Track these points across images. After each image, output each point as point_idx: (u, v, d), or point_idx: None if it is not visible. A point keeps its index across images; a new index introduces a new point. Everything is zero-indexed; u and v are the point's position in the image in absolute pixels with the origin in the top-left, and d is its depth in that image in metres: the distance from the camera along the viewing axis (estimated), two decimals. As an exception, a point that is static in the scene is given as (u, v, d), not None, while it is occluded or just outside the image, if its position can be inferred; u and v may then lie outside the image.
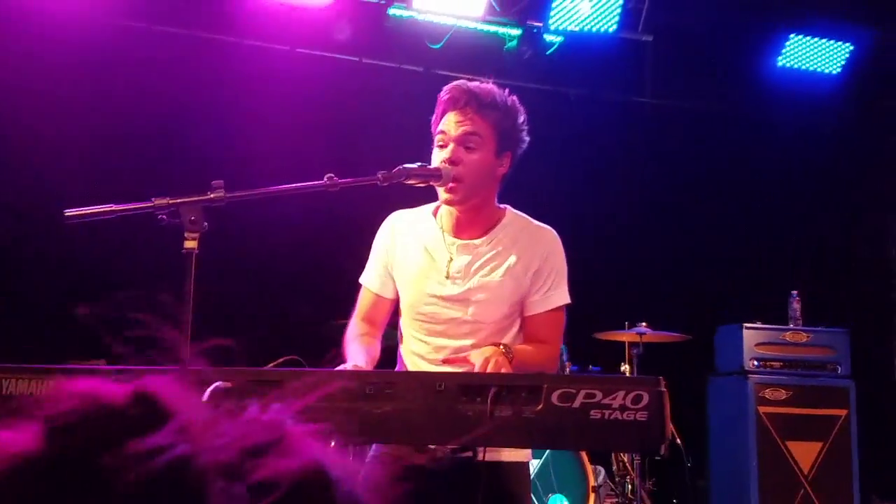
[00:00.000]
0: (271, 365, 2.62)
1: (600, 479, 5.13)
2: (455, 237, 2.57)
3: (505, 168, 2.58)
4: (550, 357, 2.59)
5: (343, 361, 2.47)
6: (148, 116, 5.81)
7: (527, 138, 2.60)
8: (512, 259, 2.53)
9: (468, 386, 1.93)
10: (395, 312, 2.72)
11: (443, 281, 2.53)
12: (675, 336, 5.48)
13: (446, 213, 2.60)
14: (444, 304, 2.52)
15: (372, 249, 2.70)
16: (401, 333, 2.69)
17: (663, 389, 1.86)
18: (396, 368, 2.68)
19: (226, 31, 6.05)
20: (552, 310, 2.56)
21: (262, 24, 5.96)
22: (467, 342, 2.51)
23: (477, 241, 2.55)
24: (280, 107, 5.98)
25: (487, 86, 2.56)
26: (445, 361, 2.43)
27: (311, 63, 6.25)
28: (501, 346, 2.36)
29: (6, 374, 2.08)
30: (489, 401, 1.88)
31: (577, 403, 1.86)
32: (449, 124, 2.50)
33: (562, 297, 2.57)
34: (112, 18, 5.76)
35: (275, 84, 6.04)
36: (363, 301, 2.71)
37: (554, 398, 1.88)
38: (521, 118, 2.58)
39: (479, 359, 2.29)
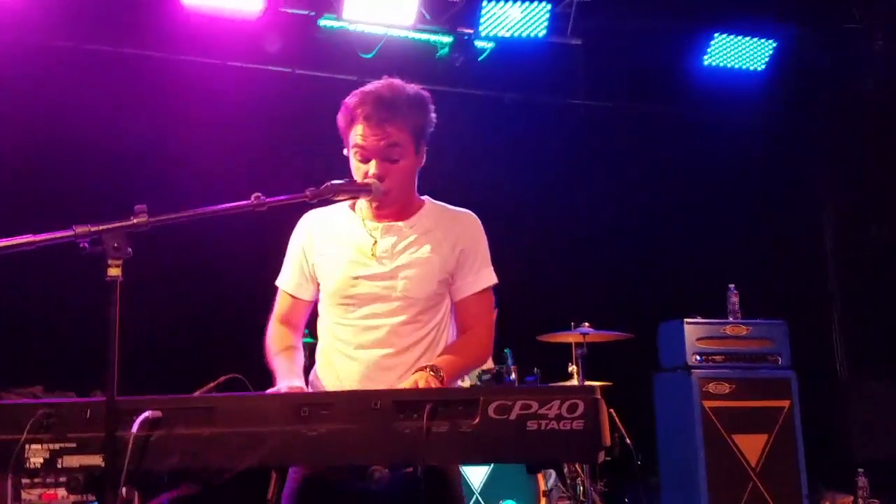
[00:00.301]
0: (212, 384, 2.56)
1: (551, 482, 5.14)
2: (378, 222, 2.54)
3: (423, 160, 2.56)
4: (482, 345, 2.58)
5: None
6: (77, 138, 5.66)
7: (434, 120, 2.54)
8: (437, 236, 2.52)
9: (404, 402, 1.91)
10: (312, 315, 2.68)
11: (368, 262, 2.48)
12: (618, 335, 5.52)
13: (365, 205, 2.57)
14: (372, 282, 2.47)
15: (287, 251, 2.65)
16: (320, 331, 2.61)
17: (598, 397, 1.85)
18: (314, 368, 2.61)
19: (156, 46, 5.95)
20: (482, 291, 2.56)
21: (192, 38, 5.88)
22: (399, 318, 2.46)
23: (400, 224, 2.53)
24: (214, 120, 5.91)
25: (395, 86, 2.47)
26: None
27: (245, 75, 6.19)
28: (428, 369, 2.33)
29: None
30: (425, 417, 1.86)
31: (513, 415, 1.85)
32: (367, 138, 2.44)
33: (490, 277, 2.57)
34: (38, 38, 5.62)
35: (209, 98, 5.96)
36: (281, 304, 2.66)
37: (490, 411, 1.86)
38: (430, 106, 2.53)
39: (409, 384, 2.28)
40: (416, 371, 2.35)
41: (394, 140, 2.43)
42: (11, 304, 5.40)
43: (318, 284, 2.60)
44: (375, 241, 2.50)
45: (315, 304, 2.65)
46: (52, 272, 4.64)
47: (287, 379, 2.41)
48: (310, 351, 4.96)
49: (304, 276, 2.61)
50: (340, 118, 2.50)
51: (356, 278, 2.48)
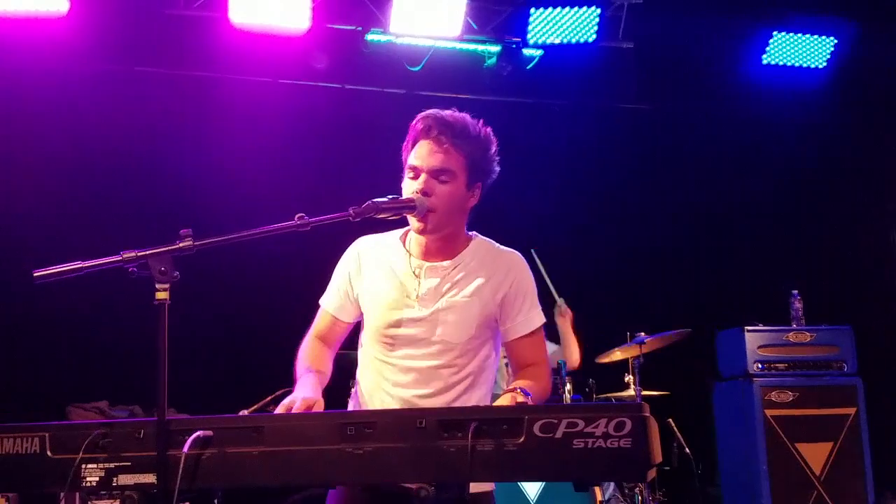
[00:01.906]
0: (268, 399, 2.59)
1: (609, 492, 5.07)
2: (423, 260, 2.57)
3: (476, 199, 2.59)
4: (548, 377, 2.62)
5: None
6: (129, 160, 5.82)
7: (497, 168, 2.59)
8: (479, 281, 2.54)
9: (449, 421, 1.90)
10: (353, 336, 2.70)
11: (411, 303, 2.53)
12: (676, 334, 5.42)
13: (415, 239, 2.60)
14: (413, 325, 2.52)
15: (334, 272, 2.70)
16: (361, 358, 2.66)
17: (647, 415, 1.82)
18: (352, 394, 2.66)
19: (206, 66, 6.06)
20: (534, 331, 2.59)
21: (241, 57, 5.98)
22: (435, 362, 2.51)
23: (445, 264, 2.56)
24: (264, 139, 6.00)
25: (461, 115, 2.55)
26: None
27: (294, 92, 6.26)
28: (518, 390, 2.36)
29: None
30: (470, 435, 1.85)
31: (559, 434, 1.83)
32: (421, 155, 2.49)
33: (540, 317, 2.61)
34: (90, 63, 5.77)
35: (258, 116, 6.06)
36: (320, 321, 2.72)
37: (536, 429, 1.84)
38: (493, 149, 2.58)
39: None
40: (505, 393, 2.39)
41: (447, 163, 2.47)
42: (78, 321, 5.56)
43: (361, 311, 2.65)
44: (419, 281, 2.54)
45: (353, 326, 2.70)
46: (116, 289, 4.75)
47: (302, 391, 2.43)
48: (351, 361, 4.98)
49: (347, 299, 2.66)
50: (406, 141, 2.56)
51: (397, 318, 2.53)
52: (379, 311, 2.57)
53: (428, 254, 2.58)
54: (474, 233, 2.65)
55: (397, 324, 2.53)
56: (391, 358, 2.56)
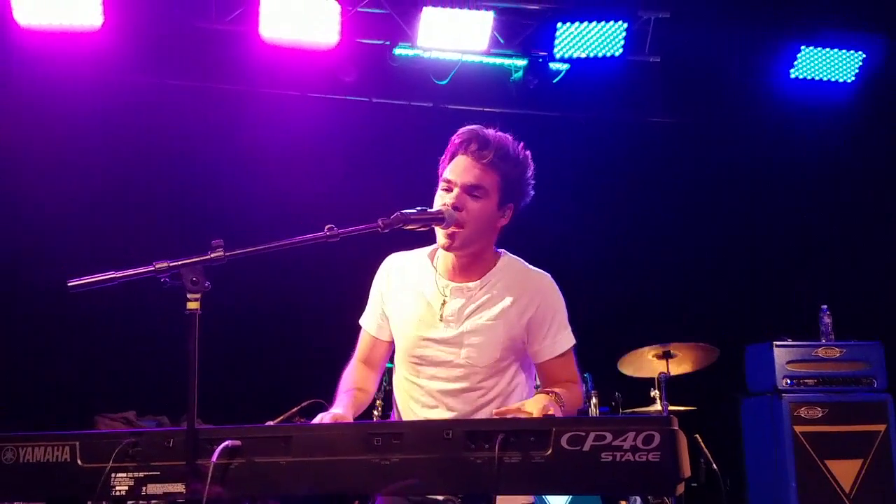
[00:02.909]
0: (294, 409, 2.60)
1: (635, 508, 5.03)
2: (449, 280, 2.56)
3: (506, 220, 2.57)
4: (580, 395, 2.62)
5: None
6: (160, 172, 5.90)
7: (531, 192, 2.58)
8: (506, 303, 2.52)
9: (475, 433, 1.90)
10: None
11: (436, 324, 2.53)
12: (704, 346, 5.37)
13: (442, 258, 2.60)
14: (438, 346, 2.52)
15: (370, 292, 2.72)
16: (395, 377, 2.68)
17: (675, 428, 1.81)
18: (391, 413, 2.68)
19: (236, 80, 6.13)
20: (562, 353, 2.56)
21: (271, 71, 6.05)
22: (459, 385, 2.51)
23: (471, 285, 2.54)
24: (294, 152, 6.05)
25: (502, 135, 2.54)
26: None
27: (323, 106, 6.32)
28: (552, 394, 2.35)
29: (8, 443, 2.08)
30: (497, 447, 1.85)
31: (587, 447, 1.82)
32: (457, 169, 2.49)
33: (569, 339, 2.58)
34: (123, 75, 5.87)
35: (288, 129, 6.12)
36: (362, 343, 2.73)
37: (563, 442, 1.84)
38: (529, 172, 2.56)
39: (536, 407, 2.24)
40: (540, 393, 2.39)
41: (481, 179, 2.47)
42: (109, 330, 5.62)
43: None
44: (445, 301, 2.53)
45: (394, 343, 2.70)
46: (145, 299, 4.80)
47: (334, 409, 2.45)
48: (390, 377, 4.99)
49: (383, 318, 2.68)
50: (444, 155, 2.57)
51: (423, 339, 2.53)
52: (405, 331, 2.57)
53: (455, 273, 2.57)
54: (503, 251, 2.63)
55: (423, 345, 2.53)
56: (419, 379, 2.56)
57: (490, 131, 2.54)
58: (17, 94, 5.66)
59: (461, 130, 2.55)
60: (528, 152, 2.58)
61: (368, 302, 2.72)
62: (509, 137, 2.55)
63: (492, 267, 2.57)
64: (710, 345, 5.41)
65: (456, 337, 2.50)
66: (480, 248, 2.55)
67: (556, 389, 2.42)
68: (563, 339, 2.56)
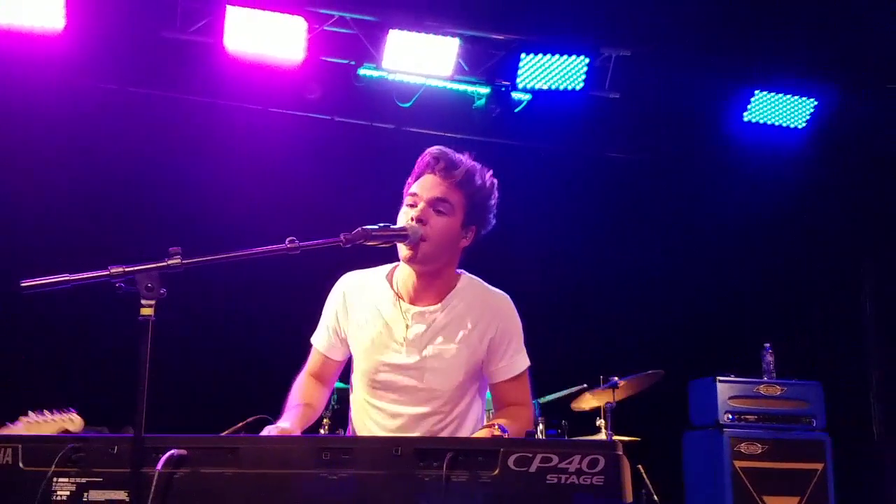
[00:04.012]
0: (240, 424, 2.59)
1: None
2: (410, 304, 2.57)
3: (468, 241, 2.60)
4: (529, 418, 2.63)
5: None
6: (119, 179, 5.82)
7: (493, 220, 2.62)
8: (468, 327, 2.54)
9: (424, 451, 1.91)
10: (346, 372, 2.71)
11: (399, 349, 2.53)
12: (648, 377, 5.45)
13: (402, 279, 2.60)
14: (400, 372, 2.52)
15: (323, 311, 2.70)
16: (352, 397, 2.67)
17: (620, 453, 1.85)
18: (347, 432, 2.68)
19: (199, 91, 6.10)
20: (517, 375, 2.59)
21: (235, 83, 6.03)
22: (422, 409, 2.52)
23: (432, 308, 2.55)
24: (254, 165, 6.04)
25: (468, 159, 2.58)
26: None
27: (285, 122, 6.31)
28: (496, 426, 2.37)
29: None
30: (445, 466, 1.87)
31: (533, 468, 1.85)
32: (424, 185, 2.51)
33: (524, 361, 2.62)
34: (84, 80, 5.80)
35: (249, 142, 6.10)
36: (313, 360, 2.73)
37: (510, 462, 1.86)
38: (494, 200, 2.61)
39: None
40: (483, 428, 2.41)
41: (446, 195, 2.50)
42: (48, 337, 5.50)
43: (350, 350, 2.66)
44: (407, 326, 2.53)
45: (344, 362, 2.71)
46: (88, 308, 4.72)
47: (281, 423, 2.45)
48: (339, 396, 4.94)
49: (337, 338, 2.67)
50: (411, 175, 2.59)
51: (385, 364, 2.53)
52: (365, 355, 2.57)
53: (416, 296, 2.57)
54: (463, 271, 2.65)
55: (384, 369, 2.53)
56: (378, 402, 2.56)
57: (457, 155, 2.57)
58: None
59: (430, 150, 2.58)
60: (495, 180, 2.62)
61: (321, 320, 2.70)
62: (477, 164, 2.59)
63: (452, 288, 2.59)
64: (655, 370, 5.48)
65: (418, 362, 2.51)
66: (441, 266, 2.56)
67: (499, 421, 2.44)
68: (518, 360, 2.59)
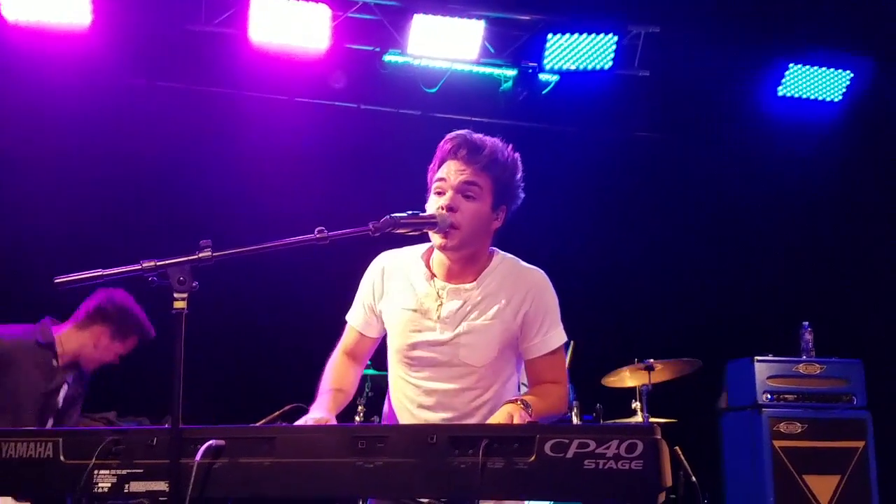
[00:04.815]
0: (276, 414, 2.61)
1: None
2: (445, 281, 2.57)
3: (500, 222, 2.59)
4: (561, 396, 2.60)
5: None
6: (148, 173, 5.87)
7: (522, 195, 2.61)
8: (501, 302, 2.53)
9: (460, 438, 1.91)
10: (382, 360, 2.71)
11: (433, 326, 2.53)
12: (685, 363, 5.39)
13: (437, 259, 2.60)
14: (434, 348, 2.52)
15: (359, 288, 2.71)
16: (389, 375, 2.68)
17: (658, 437, 1.82)
18: (384, 412, 2.67)
19: (224, 83, 6.13)
20: (552, 351, 2.56)
21: (260, 74, 6.04)
22: (456, 385, 2.52)
23: (467, 286, 2.55)
24: (281, 155, 6.05)
25: (490, 139, 2.57)
26: None
27: (311, 111, 6.32)
28: (519, 402, 2.36)
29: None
30: (481, 452, 1.86)
31: (570, 454, 1.84)
32: (449, 172, 2.50)
33: (560, 337, 2.59)
34: (111, 75, 5.84)
35: (276, 133, 6.12)
36: (347, 337, 2.74)
37: (547, 448, 1.85)
38: (519, 175, 2.59)
39: (502, 417, 2.30)
40: (507, 403, 2.39)
41: (473, 179, 2.49)
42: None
43: (385, 327, 2.66)
44: (441, 303, 2.53)
45: (380, 340, 2.71)
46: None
47: (316, 412, 2.45)
48: (373, 383, 4.97)
49: (372, 315, 2.68)
50: (433, 162, 2.58)
51: (418, 341, 2.53)
52: (400, 331, 2.57)
53: (451, 275, 2.57)
54: (496, 249, 2.64)
55: (418, 346, 2.54)
56: (414, 379, 2.57)
57: (477, 136, 2.56)
58: (2, 91, 5.63)
59: (450, 136, 2.56)
60: (517, 154, 2.60)
61: (356, 297, 2.71)
62: (497, 141, 2.57)
63: (486, 266, 2.58)
64: (693, 358, 5.43)
65: (452, 339, 2.51)
66: (475, 250, 2.55)
67: (526, 398, 2.43)
68: (554, 336, 2.56)
